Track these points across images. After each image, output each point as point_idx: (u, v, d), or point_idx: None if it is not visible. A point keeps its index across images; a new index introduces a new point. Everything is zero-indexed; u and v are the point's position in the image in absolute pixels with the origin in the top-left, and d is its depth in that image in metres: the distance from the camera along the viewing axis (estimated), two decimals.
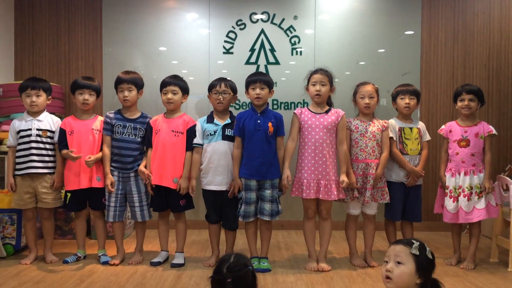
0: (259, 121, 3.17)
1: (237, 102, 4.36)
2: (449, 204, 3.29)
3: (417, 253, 1.75)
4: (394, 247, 1.81)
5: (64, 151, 3.24)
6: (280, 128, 3.23)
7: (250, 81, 3.26)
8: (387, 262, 1.81)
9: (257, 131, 3.15)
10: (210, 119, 3.29)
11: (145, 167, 3.27)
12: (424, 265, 1.75)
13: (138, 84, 3.37)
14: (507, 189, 3.31)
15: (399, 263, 1.76)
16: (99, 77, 4.43)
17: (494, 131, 3.32)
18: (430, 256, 1.78)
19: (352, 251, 3.38)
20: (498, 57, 4.54)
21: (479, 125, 3.35)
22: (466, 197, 3.23)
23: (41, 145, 3.27)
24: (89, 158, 3.23)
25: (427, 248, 1.79)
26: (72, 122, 3.35)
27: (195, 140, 3.27)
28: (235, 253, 1.80)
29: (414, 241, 1.79)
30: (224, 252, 3.38)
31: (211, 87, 3.32)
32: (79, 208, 3.42)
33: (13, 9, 4.52)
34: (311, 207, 3.22)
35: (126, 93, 3.32)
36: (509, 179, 3.33)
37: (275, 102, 4.43)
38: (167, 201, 3.33)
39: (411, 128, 3.39)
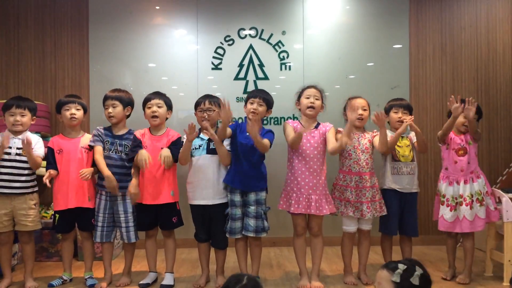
0: (247, 134, 3.14)
1: None
2: (446, 212, 3.25)
3: (398, 280, 1.68)
4: (380, 272, 1.77)
5: (53, 172, 3.17)
6: (265, 135, 3.15)
7: (251, 96, 3.24)
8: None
9: (245, 144, 3.13)
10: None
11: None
12: None
13: (124, 101, 3.30)
14: (500, 202, 3.29)
15: None
16: (86, 95, 4.37)
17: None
18: (416, 282, 1.68)
19: (347, 269, 3.32)
20: (486, 69, 4.56)
21: (466, 133, 3.36)
22: (469, 206, 3.21)
23: (19, 164, 3.16)
24: (82, 172, 3.14)
25: (416, 272, 1.69)
26: (60, 141, 3.28)
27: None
28: (248, 275, 1.67)
29: (400, 266, 1.71)
30: (214, 272, 3.30)
31: (197, 105, 3.29)
32: (68, 230, 3.31)
33: None
34: (300, 224, 3.17)
35: (110, 109, 3.27)
36: (501, 192, 3.31)
37: (264, 117, 4.38)
38: (157, 219, 3.26)
39: (402, 137, 3.37)
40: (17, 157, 3.16)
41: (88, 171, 3.17)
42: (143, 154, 3.09)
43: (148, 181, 3.17)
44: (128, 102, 3.34)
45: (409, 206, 3.35)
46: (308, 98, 3.19)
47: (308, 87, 3.25)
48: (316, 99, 3.19)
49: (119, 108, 3.28)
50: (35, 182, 3.26)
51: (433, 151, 4.24)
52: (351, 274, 3.30)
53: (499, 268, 3.38)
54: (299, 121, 3.27)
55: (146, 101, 3.29)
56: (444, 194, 3.29)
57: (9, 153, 3.15)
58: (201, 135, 3.24)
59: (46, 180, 3.08)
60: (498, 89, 4.57)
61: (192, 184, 3.22)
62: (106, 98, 3.30)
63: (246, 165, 3.11)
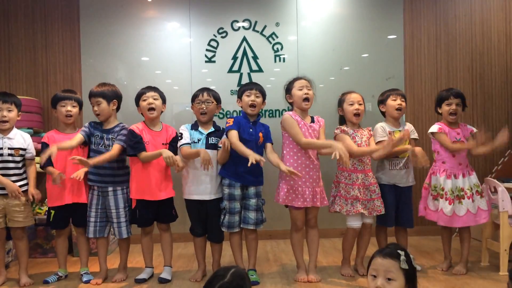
0: (251, 130, 3.13)
1: (221, 111, 4.29)
2: (446, 206, 3.22)
3: (407, 267, 1.71)
4: (382, 261, 1.73)
5: (51, 169, 3.12)
6: (268, 136, 3.22)
7: (246, 88, 3.21)
8: (374, 276, 1.74)
9: (248, 140, 3.10)
10: (194, 127, 3.23)
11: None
12: (412, 276, 1.74)
13: (108, 96, 3.23)
14: (495, 192, 3.29)
15: (389, 279, 1.70)
16: (78, 90, 4.29)
17: (475, 129, 3.36)
18: (416, 266, 1.79)
19: (345, 261, 3.32)
20: (481, 59, 4.55)
21: (461, 126, 3.37)
22: (470, 199, 3.21)
23: (12, 165, 3.13)
24: (77, 175, 3.06)
25: (411, 256, 1.76)
26: (56, 137, 3.23)
27: (184, 141, 3.16)
28: (235, 269, 1.59)
29: (400, 252, 1.73)
30: (211, 266, 3.29)
31: (194, 97, 3.25)
32: (63, 226, 3.29)
33: None
34: (301, 218, 3.15)
35: (96, 107, 3.23)
36: (496, 182, 3.31)
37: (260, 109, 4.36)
38: (157, 214, 3.24)
39: (400, 131, 3.35)
40: (9, 158, 3.12)
41: (81, 172, 3.12)
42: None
43: (154, 177, 3.15)
44: (112, 96, 3.26)
45: (404, 198, 3.34)
46: (301, 89, 3.15)
47: (298, 78, 3.20)
48: (309, 89, 3.15)
49: (104, 104, 3.22)
50: (27, 180, 3.23)
51: (428, 142, 4.22)
52: (349, 266, 3.30)
53: (495, 257, 3.39)
54: (297, 114, 3.21)
55: (140, 95, 3.25)
56: (443, 187, 3.26)
57: (1, 154, 3.11)
58: (200, 129, 3.21)
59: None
60: (493, 79, 4.55)
61: (189, 179, 3.19)
62: (90, 95, 3.26)
63: (245, 162, 3.05)
